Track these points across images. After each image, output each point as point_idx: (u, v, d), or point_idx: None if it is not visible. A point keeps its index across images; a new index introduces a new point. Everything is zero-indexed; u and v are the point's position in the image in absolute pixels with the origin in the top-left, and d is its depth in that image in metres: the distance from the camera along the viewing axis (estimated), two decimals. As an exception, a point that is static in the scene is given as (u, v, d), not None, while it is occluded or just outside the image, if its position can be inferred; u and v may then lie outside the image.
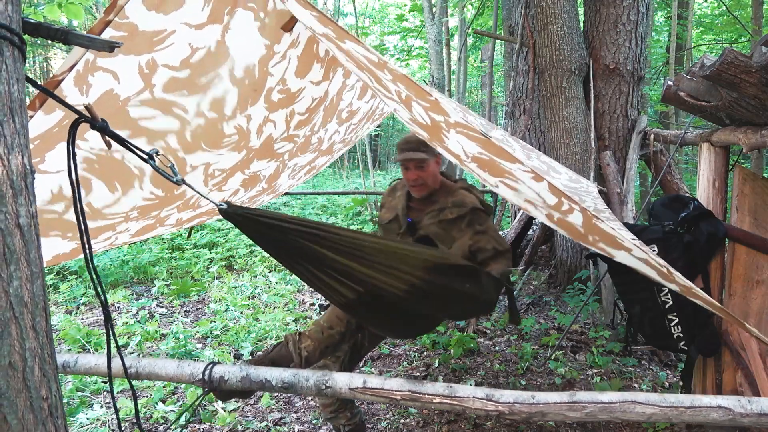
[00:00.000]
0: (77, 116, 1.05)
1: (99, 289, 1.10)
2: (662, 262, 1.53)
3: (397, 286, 1.67)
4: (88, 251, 1.08)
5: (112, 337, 1.15)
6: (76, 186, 1.04)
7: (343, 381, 1.64)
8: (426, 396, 1.58)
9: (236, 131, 2.17)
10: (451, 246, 2.18)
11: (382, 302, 1.72)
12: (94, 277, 1.10)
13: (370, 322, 1.99)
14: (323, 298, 1.77)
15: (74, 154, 1.04)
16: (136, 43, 1.50)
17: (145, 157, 1.14)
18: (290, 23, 1.89)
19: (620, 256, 1.79)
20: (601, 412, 1.51)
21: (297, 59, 2.09)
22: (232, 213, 1.36)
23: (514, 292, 4.02)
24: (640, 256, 1.60)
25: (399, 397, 1.59)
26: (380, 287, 1.65)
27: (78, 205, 1.05)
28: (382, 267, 1.63)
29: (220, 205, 1.32)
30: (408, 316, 1.88)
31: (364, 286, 1.65)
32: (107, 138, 1.08)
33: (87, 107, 1.05)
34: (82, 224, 1.06)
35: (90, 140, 1.71)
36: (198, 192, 1.29)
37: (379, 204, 3.14)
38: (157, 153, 1.16)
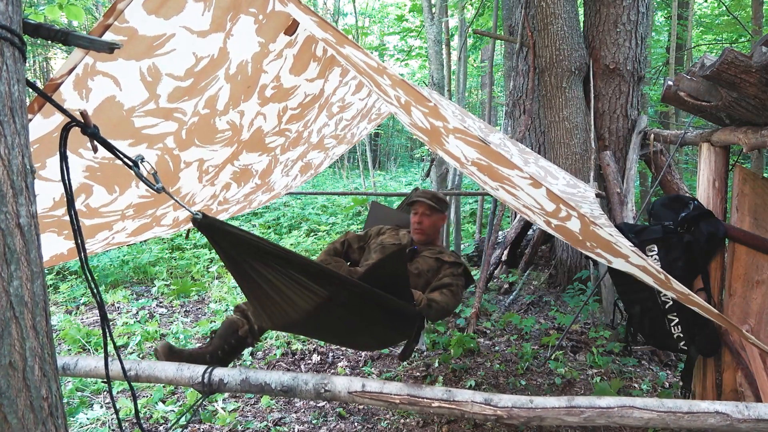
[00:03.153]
0: (69, 120, 1.06)
1: (96, 290, 1.10)
2: (660, 269, 1.54)
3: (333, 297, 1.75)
4: (83, 254, 1.09)
5: (110, 339, 1.16)
6: (68, 188, 1.05)
7: (342, 384, 1.64)
8: (425, 400, 1.59)
9: (229, 127, 2.18)
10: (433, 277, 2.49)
11: (330, 314, 1.80)
12: (92, 283, 1.10)
13: (314, 333, 2.11)
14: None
15: (66, 156, 1.05)
16: (136, 48, 1.50)
17: (130, 164, 1.15)
18: (292, 27, 1.90)
19: (617, 263, 1.79)
20: (599, 417, 1.52)
21: (293, 57, 2.09)
22: (205, 224, 1.38)
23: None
24: (638, 263, 1.60)
25: (398, 401, 1.60)
26: (329, 300, 1.72)
27: (72, 210, 1.05)
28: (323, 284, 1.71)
29: (196, 215, 1.34)
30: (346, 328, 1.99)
31: (313, 303, 1.71)
32: (95, 143, 1.09)
33: (82, 113, 1.06)
34: (76, 231, 1.06)
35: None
36: (176, 200, 1.30)
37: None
38: (142, 159, 1.17)
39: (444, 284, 2.39)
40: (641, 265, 1.59)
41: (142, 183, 1.86)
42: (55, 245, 2.07)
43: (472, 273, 5.44)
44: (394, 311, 1.89)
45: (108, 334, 1.16)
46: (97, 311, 4.71)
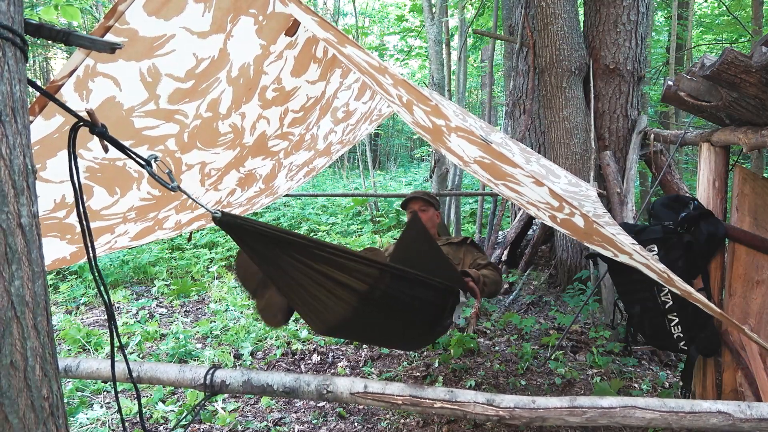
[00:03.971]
0: (77, 120, 1.05)
1: (104, 293, 1.10)
2: (663, 267, 1.54)
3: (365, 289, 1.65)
4: (93, 261, 1.08)
5: (116, 341, 1.15)
6: (78, 190, 1.04)
7: (344, 385, 1.64)
8: (427, 401, 1.59)
9: (231, 129, 2.18)
10: (459, 263, 2.61)
11: (372, 316, 1.72)
12: (102, 290, 1.09)
13: (353, 337, 2.02)
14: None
15: (75, 158, 1.05)
16: (136, 49, 1.50)
17: (143, 163, 1.14)
18: (293, 27, 1.90)
19: (622, 258, 1.79)
20: (601, 417, 1.52)
21: (294, 59, 2.09)
22: (226, 221, 1.33)
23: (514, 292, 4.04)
24: (640, 261, 1.61)
25: (400, 402, 1.60)
26: (371, 298, 1.64)
27: (81, 211, 1.05)
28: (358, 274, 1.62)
29: (215, 213, 1.29)
30: (387, 329, 1.92)
31: (354, 297, 1.63)
32: (105, 143, 1.08)
33: (88, 112, 1.05)
34: (86, 236, 1.06)
35: (93, 149, 1.72)
36: (193, 199, 1.28)
37: (378, 205, 3.37)
38: (155, 159, 1.15)
39: (483, 264, 2.54)
40: (645, 263, 1.60)
41: (145, 185, 1.86)
42: (57, 249, 2.06)
43: (472, 273, 5.45)
44: (433, 290, 1.80)
45: (115, 336, 1.16)
46: (97, 311, 4.71)
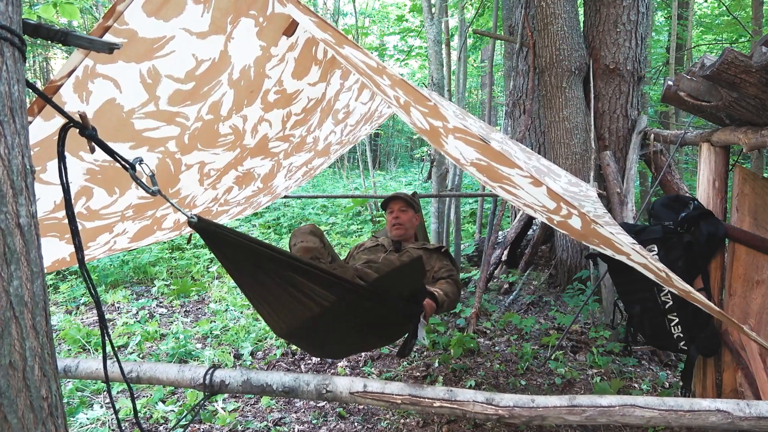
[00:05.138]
0: (67, 121, 1.06)
1: (93, 290, 1.11)
2: (662, 266, 1.54)
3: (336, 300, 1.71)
4: (80, 255, 1.09)
5: (108, 341, 1.16)
6: (66, 190, 1.05)
7: (343, 385, 1.64)
8: (426, 400, 1.59)
9: (231, 131, 2.18)
10: (430, 269, 2.60)
11: (331, 320, 1.77)
12: (89, 282, 1.10)
13: (312, 344, 2.05)
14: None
15: (64, 157, 1.05)
16: (136, 50, 1.49)
17: (126, 166, 1.14)
18: (291, 27, 1.89)
19: (620, 257, 1.79)
20: (600, 415, 1.51)
21: (294, 61, 2.09)
22: (201, 227, 1.36)
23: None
24: (639, 261, 1.60)
25: (399, 402, 1.60)
26: (334, 304, 1.69)
27: (69, 211, 1.06)
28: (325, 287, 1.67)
29: (191, 217, 1.31)
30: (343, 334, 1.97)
31: (319, 304, 1.67)
32: (92, 144, 1.09)
33: (81, 115, 1.06)
34: (74, 235, 1.07)
35: (95, 152, 1.72)
36: (171, 203, 1.28)
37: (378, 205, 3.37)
38: (140, 161, 1.16)
39: (444, 276, 2.52)
40: (643, 263, 1.59)
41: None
42: (56, 250, 2.06)
43: (472, 273, 5.45)
44: (396, 310, 1.88)
45: (106, 336, 1.16)
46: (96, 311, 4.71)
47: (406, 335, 1.95)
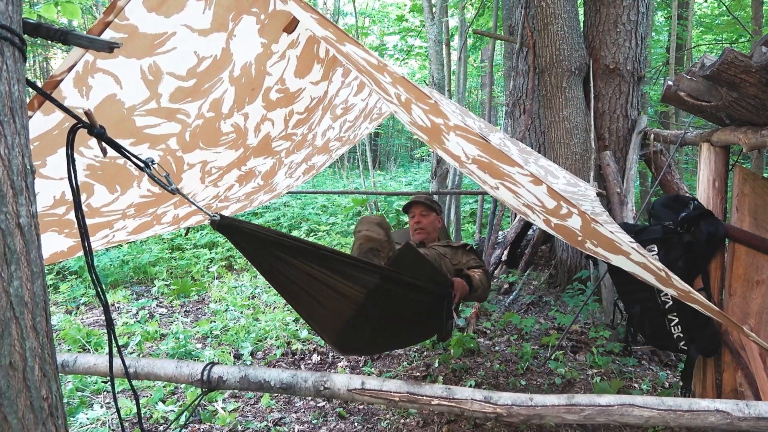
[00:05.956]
0: (76, 122, 1.05)
1: (99, 289, 1.10)
2: (661, 266, 1.54)
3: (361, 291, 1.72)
4: (90, 259, 1.08)
5: (113, 339, 1.15)
6: (75, 191, 1.04)
7: (341, 382, 1.64)
8: (424, 398, 1.59)
9: (233, 129, 2.17)
10: (458, 263, 2.61)
11: (367, 318, 1.76)
12: (98, 286, 1.10)
13: (348, 343, 2.05)
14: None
15: (73, 159, 1.04)
16: (136, 46, 1.49)
17: (142, 165, 1.14)
18: (292, 24, 1.89)
19: (617, 260, 1.79)
20: (599, 415, 1.51)
21: (296, 59, 2.09)
22: (224, 225, 1.35)
23: (514, 293, 4.06)
24: (638, 260, 1.60)
25: (397, 399, 1.60)
26: (368, 298, 1.68)
27: (79, 212, 1.05)
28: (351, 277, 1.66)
29: (213, 216, 1.30)
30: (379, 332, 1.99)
31: (350, 298, 1.66)
32: (103, 145, 1.08)
33: (87, 113, 1.05)
34: (83, 234, 1.06)
35: (94, 148, 1.72)
36: (192, 202, 1.28)
37: (378, 205, 3.38)
38: (152, 162, 1.15)
39: (475, 266, 2.58)
40: (642, 262, 1.59)
41: (145, 182, 1.85)
42: (55, 243, 2.06)
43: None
44: (430, 294, 1.90)
45: (112, 335, 1.16)
46: (97, 311, 4.71)
47: (443, 318, 1.97)
